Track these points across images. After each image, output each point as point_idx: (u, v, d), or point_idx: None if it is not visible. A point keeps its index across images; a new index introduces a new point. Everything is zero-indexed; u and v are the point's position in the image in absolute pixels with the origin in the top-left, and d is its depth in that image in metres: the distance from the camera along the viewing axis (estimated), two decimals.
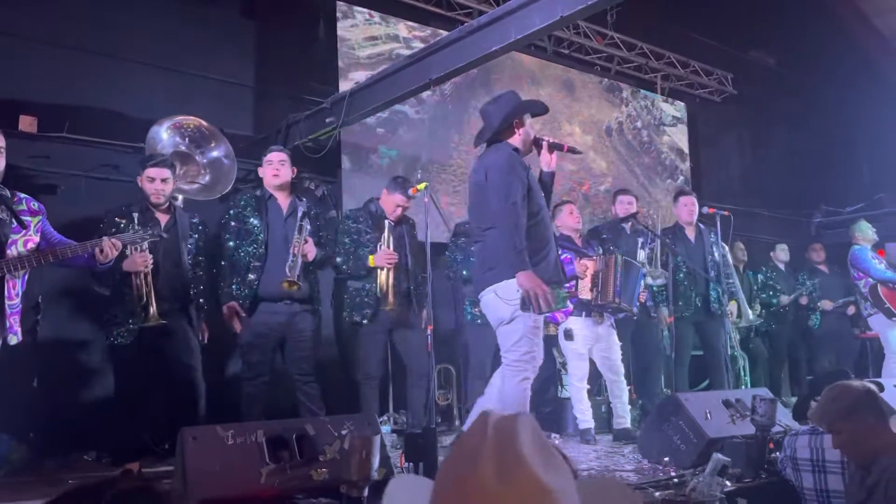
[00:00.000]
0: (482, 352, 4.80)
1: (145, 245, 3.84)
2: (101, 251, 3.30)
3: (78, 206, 4.73)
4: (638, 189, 7.54)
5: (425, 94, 5.94)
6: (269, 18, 6.00)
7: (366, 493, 2.46)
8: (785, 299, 7.21)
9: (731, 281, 5.84)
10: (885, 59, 9.50)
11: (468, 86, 6.79)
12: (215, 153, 4.88)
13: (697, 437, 3.73)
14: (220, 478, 2.56)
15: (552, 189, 3.70)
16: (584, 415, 4.85)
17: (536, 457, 0.85)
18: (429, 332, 4.16)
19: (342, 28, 6.18)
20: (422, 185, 4.36)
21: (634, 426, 4.95)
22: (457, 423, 5.40)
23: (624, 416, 4.93)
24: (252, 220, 4.22)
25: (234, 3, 5.94)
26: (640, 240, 5.46)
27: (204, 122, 4.85)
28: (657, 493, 3.15)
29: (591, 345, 4.94)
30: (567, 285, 4.36)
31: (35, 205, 3.37)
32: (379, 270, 4.49)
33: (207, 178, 4.87)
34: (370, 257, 4.50)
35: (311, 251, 4.19)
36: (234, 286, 4.18)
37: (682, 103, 9.05)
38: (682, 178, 8.62)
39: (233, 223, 4.25)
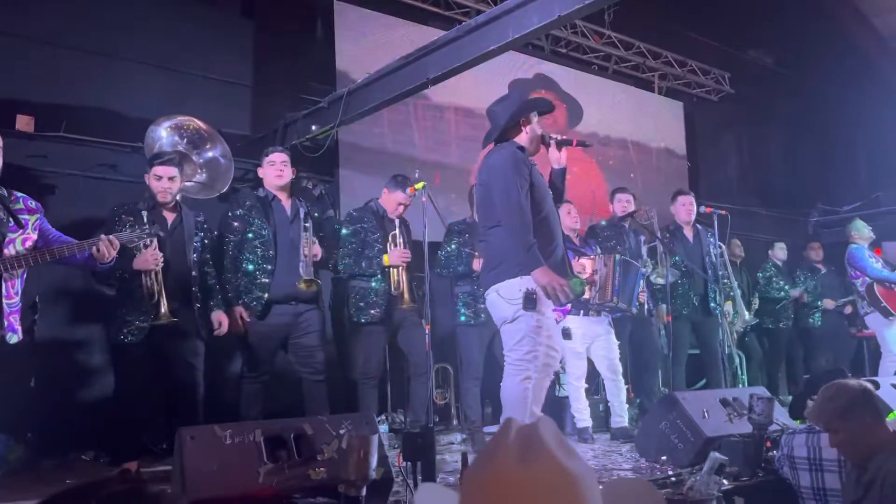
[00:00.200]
0: (474, 352, 4.80)
1: (156, 243, 3.84)
2: (98, 250, 3.28)
3: (75, 205, 4.73)
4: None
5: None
6: (267, 18, 5.99)
7: (364, 492, 2.46)
8: (795, 292, 7.22)
9: (726, 281, 5.86)
10: (883, 59, 9.51)
11: None
12: (210, 154, 4.88)
13: (695, 436, 3.74)
14: (217, 477, 2.56)
15: (564, 186, 3.72)
16: (581, 413, 4.86)
17: (557, 448, 0.91)
18: (427, 330, 4.17)
19: (340, 27, 6.18)
20: (419, 185, 4.37)
21: (632, 425, 4.96)
22: (454, 422, 5.40)
23: (622, 414, 4.94)
24: (259, 222, 4.20)
25: (232, 2, 5.94)
26: (643, 238, 5.47)
27: (203, 125, 4.85)
28: None
29: (589, 344, 4.95)
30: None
31: (32, 203, 3.37)
32: (391, 269, 4.49)
33: (204, 176, 4.88)
34: (385, 256, 4.50)
35: (318, 251, 4.20)
36: (240, 289, 4.17)
37: (680, 102, 9.06)
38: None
39: (236, 224, 4.23)
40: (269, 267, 4.16)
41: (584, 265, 4.83)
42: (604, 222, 5.69)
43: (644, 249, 5.40)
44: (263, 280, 4.14)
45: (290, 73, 6.02)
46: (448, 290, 5.17)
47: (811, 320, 7.38)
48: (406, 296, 4.46)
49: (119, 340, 3.94)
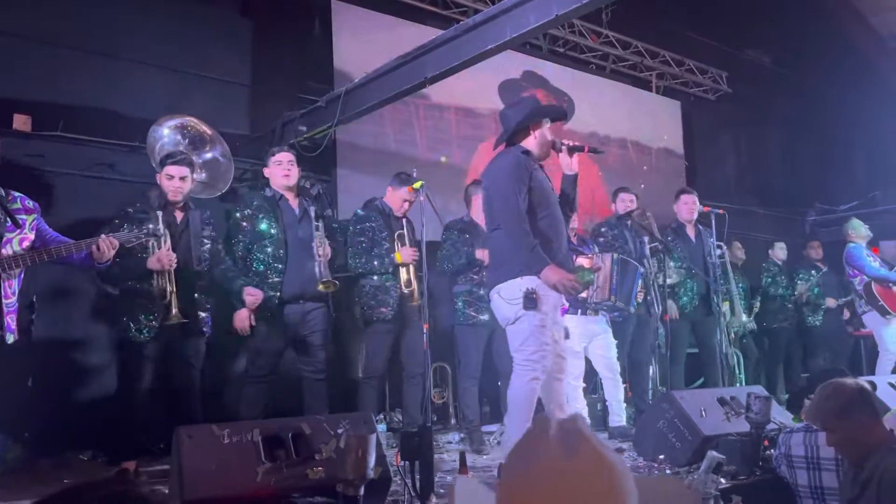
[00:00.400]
0: (472, 351, 4.81)
1: (168, 242, 3.85)
2: (98, 249, 3.27)
3: (73, 204, 4.72)
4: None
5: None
6: (265, 17, 5.99)
7: (362, 491, 2.46)
8: (803, 287, 7.22)
9: (722, 282, 5.88)
10: (880, 58, 9.52)
11: None
12: (209, 155, 4.88)
13: (692, 435, 3.75)
14: (215, 477, 2.56)
15: (575, 192, 3.75)
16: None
17: (596, 441, 0.95)
18: (425, 330, 4.17)
19: (338, 26, 6.17)
20: (418, 184, 4.37)
21: (630, 424, 4.96)
22: (452, 421, 5.40)
23: (619, 413, 4.94)
24: (268, 221, 4.20)
25: (230, 1, 5.94)
26: (645, 238, 5.47)
27: (207, 129, 4.84)
28: None
29: (587, 343, 4.95)
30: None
31: (30, 203, 3.36)
32: (401, 267, 4.51)
33: (204, 175, 4.88)
34: (396, 254, 4.51)
35: (328, 252, 4.21)
36: (239, 291, 4.16)
37: (678, 102, 9.06)
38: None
39: (244, 224, 4.22)
40: (280, 266, 4.15)
41: (582, 264, 4.83)
42: (612, 220, 5.67)
43: (646, 249, 5.40)
44: (275, 279, 4.14)
45: (288, 72, 6.02)
46: (447, 289, 5.17)
47: (812, 319, 7.37)
48: (416, 294, 4.46)
49: (127, 339, 3.94)
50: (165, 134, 4.68)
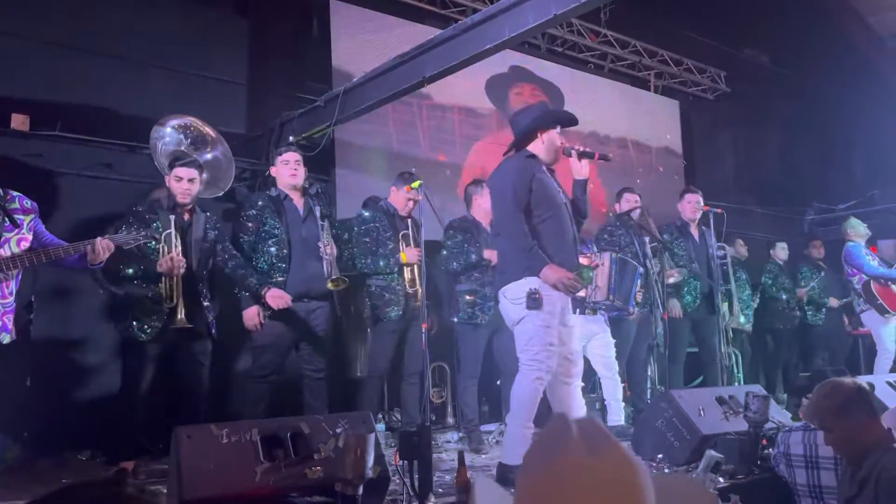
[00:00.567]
0: (473, 351, 4.81)
1: (179, 246, 3.85)
2: (94, 250, 3.26)
3: (71, 204, 4.72)
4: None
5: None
6: (263, 16, 5.98)
7: (360, 491, 2.46)
8: (801, 291, 7.23)
9: (722, 283, 5.90)
10: (879, 58, 9.52)
11: None
12: (210, 155, 4.88)
13: (691, 434, 3.75)
14: (214, 476, 2.56)
15: (586, 196, 3.80)
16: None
17: (617, 439, 0.96)
18: (423, 329, 4.17)
19: (336, 26, 6.17)
20: (416, 184, 4.38)
21: (628, 423, 4.97)
22: (450, 420, 5.40)
23: (618, 412, 4.95)
24: (272, 221, 4.20)
25: (229, 1, 5.93)
26: (646, 239, 5.47)
27: (210, 130, 4.83)
28: None
29: (586, 342, 4.95)
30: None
31: (28, 203, 3.36)
32: (406, 267, 4.52)
33: (206, 175, 4.88)
34: (402, 254, 4.52)
35: (335, 250, 4.21)
36: (256, 288, 4.17)
37: (676, 101, 9.07)
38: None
39: (250, 224, 4.22)
40: (284, 265, 4.16)
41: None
42: (613, 220, 5.67)
43: (647, 249, 5.40)
44: (278, 279, 4.14)
45: (287, 71, 6.01)
46: (447, 288, 5.18)
47: (815, 318, 7.36)
48: (420, 293, 4.47)
49: (130, 339, 3.93)
50: (168, 133, 4.68)
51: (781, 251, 7.51)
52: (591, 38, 7.96)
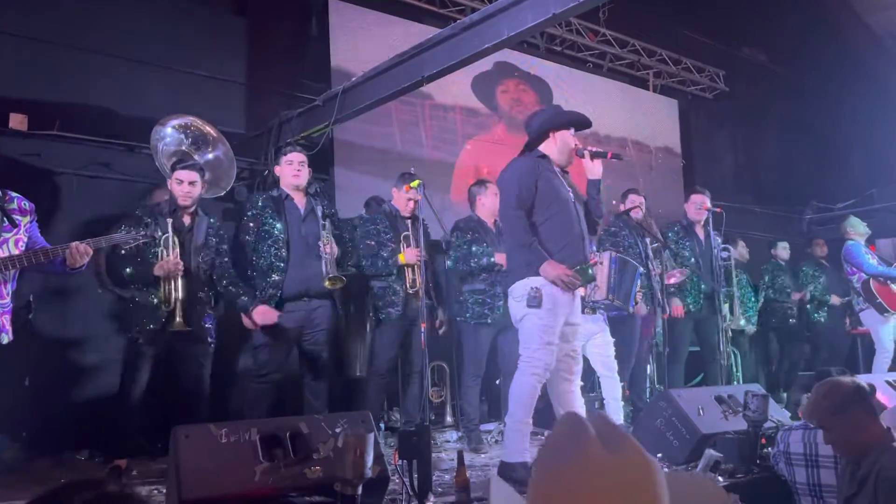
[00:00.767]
0: (480, 350, 4.81)
1: (177, 248, 3.85)
2: (71, 254, 3.17)
3: (69, 204, 4.72)
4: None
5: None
6: (261, 15, 5.98)
7: (360, 491, 2.46)
8: (797, 295, 7.22)
9: (724, 284, 5.91)
10: (876, 57, 9.53)
11: None
12: (211, 155, 4.88)
13: (690, 433, 3.75)
14: (213, 476, 2.55)
15: (599, 197, 3.84)
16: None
17: (633, 438, 0.97)
18: (422, 329, 4.18)
19: (335, 25, 6.17)
20: (415, 183, 4.38)
21: (627, 422, 4.96)
22: (449, 419, 5.40)
23: (617, 412, 4.94)
24: (272, 221, 4.21)
25: (227, 0, 5.92)
26: (648, 239, 5.47)
27: (211, 129, 4.83)
28: None
29: (585, 341, 4.94)
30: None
31: (26, 204, 3.34)
32: (407, 268, 4.51)
33: (207, 175, 4.88)
34: (400, 255, 4.52)
35: (335, 250, 4.21)
36: (256, 288, 4.17)
37: (675, 100, 9.07)
38: None
39: (251, 224, 4.24)
40: (282, 265, 4.16)
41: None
42: (613, 219, 5.66)
43: (649, 250, 5.40)
44: (275, 277, 4.15)
45: (285, 71, 6.00)
46: (449, 288, 5.18)
47: (818, 316, 7.35)
48: (421, 293, 4.48)
49: (130, 340, 3.95)
50: (169, 134, 4.68)
51: (783, 251, 7.50)
52: (589, 37, 7.96)
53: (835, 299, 7.28)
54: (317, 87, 5.80)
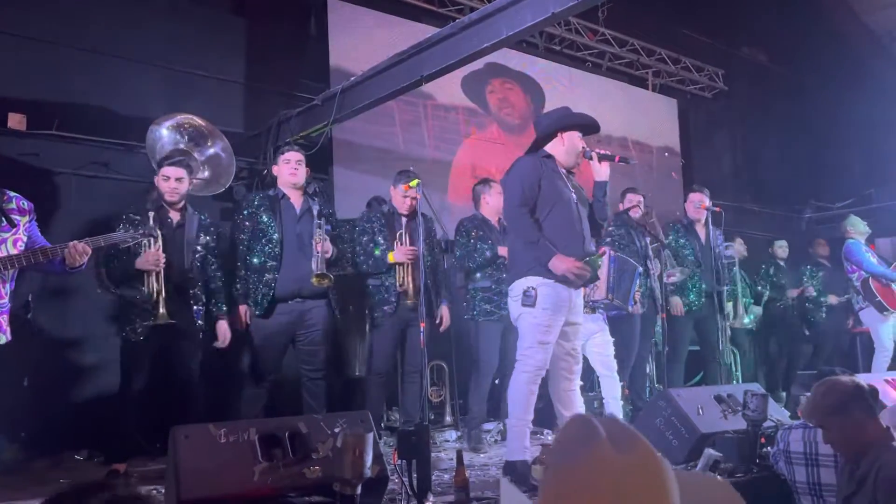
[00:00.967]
0: (493, 348, 4.80)
1: (160, 244, 3.84)
2: (69, 254, 3.15)
3: (68, 203, 4.71)
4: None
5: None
6: (260, 15, 5.97)
7: (359, 490, 2.45)
8: (792, 292, 7.22)
9: (728, 282, 5.92)
10: (875, 56, 9.54)
11: None
12: (212, 150, 4.88)
13: (689, 433, 3.75)
14: (212, 476, 2.55)
15: (605, 199, 3.85)
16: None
17: (643, 437, 0.98)
18: (421, 328, 4.17)
19: (334, 24, 6.16)
20: (414, 182, 4.37)
21: (626, 421, 4.96)
22: (448, 419, 5.40)
23: (616, 411, 4.94)
24: (266, 219, 4.21)
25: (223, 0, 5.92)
26: (647, 239, 5.47)
27: (203, 122, 4.83)
28: None
29: (584, 341, 4.94)
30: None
31: (24, 204, 3.33)
32: (398, 266, 4.52)
33: (207, 173, 4.88)
34: (390, 254, 4.53)
35: (329, 249, 4.21)
36: (250, 287, 4.18)
37: (674, 99, 9.06)
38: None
39: (247, 223, 4.24)
40: (274, 264, 4.16)
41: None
42: (617, 219, 5.66)
43: (649, 250, 5.40)
44: (267, 276, 4.15)
45: (284, 70, 6.00)
46: (451, 286, 5.18)
47: (816, 315, 7.35)
48: (410, 292, 4.47)
49: (123, 339, 3.95)
50: (165, 135, 4.68)
51: (780, 250, 7.49)
52: (588, 36, 7.96)
53: (832, 298, 7.27)
54: (316, 87, 5.80)
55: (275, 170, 4.43)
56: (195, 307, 4.08)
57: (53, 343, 4.61)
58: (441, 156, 6.78)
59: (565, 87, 7.82)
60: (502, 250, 4.67)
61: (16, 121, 4.64)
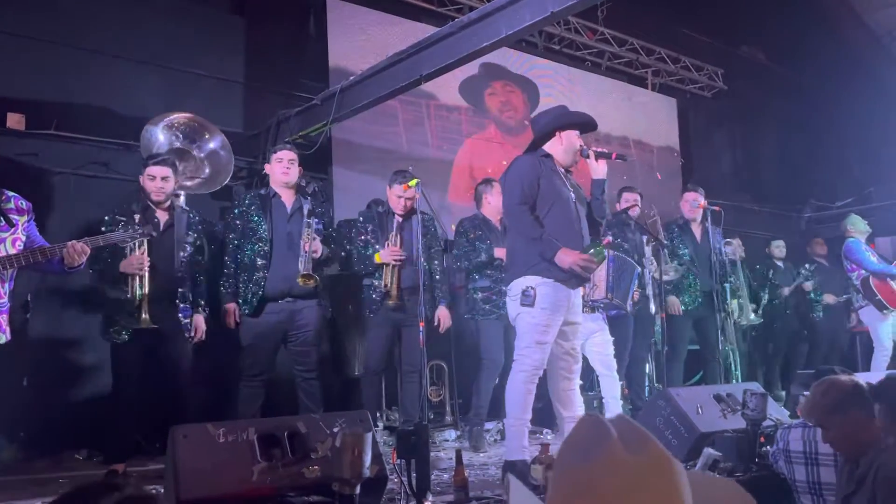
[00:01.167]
0: (497, 347, 4.80)
1: (145, 247, 3.81)
2: (68, 254, 3.15)
3: (66, 203, 4.71)
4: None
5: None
6: (260, 14, 5.97)
7: (358, 490, 2.45)
8: (786, 290, 7.22)
9: (731, 278, 5.91)
10: (874, 56, 9.53)
11: None
12: (211, 145, 4.88)
13: (689, 432, 3.74)
14: (211, 476, 2.55)
15: (603, 197, 3.86)
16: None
17: (654, 438, 0.97)
18: (421, 328, 4.17)
19: (333, 24, 6.16)
20: (413, 182, 4.37)
21: None
22: (447, 418, 5.40)
23: (616, 410, 4.94)
24: (256, 218, 4.21)
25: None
26: (645, 238, 5.47)
27: (193, 116, 4.82)
28: None
29: (584, 340, 4.94)
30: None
31: (23, 204, 3.33)
32: (384, 267, 4.52)
33: (207, 171, 4.88)
34: (376, 255, 4.53)
35: (319, 248, 4.20)
36: (240, 285, 4.18)
37: (673, 99, 9.06)
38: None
39: (238, 222, 4.25)
40: (264, 262, 4.16)
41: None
42: (615, 219, 5.66)
43: (646, 249, 5.40)
44: (257, 275, 4.15)
45: (283, 70, 6.00)
46: (460, 285, 5.18)
47: (815, 315, 7.35)
48: (394, 293, 4.46)
49: (110, 340, 3.93)
50: (160, 135, 4.67)
51: (776, 249, 7.49)
52: (588, 35, 7.95)
53: (829, 298, 7.27)
54: (315, 86, 5.80)
55: (268, 168, 4.42)
56: (182, 306, 4.03)
57: (53, 343, 4.61)
58: (443, 155, 6.78)
59: (565, 86, 7.83)
60: (499, 252, 4.67)
61: (15, 120, 4.64)
